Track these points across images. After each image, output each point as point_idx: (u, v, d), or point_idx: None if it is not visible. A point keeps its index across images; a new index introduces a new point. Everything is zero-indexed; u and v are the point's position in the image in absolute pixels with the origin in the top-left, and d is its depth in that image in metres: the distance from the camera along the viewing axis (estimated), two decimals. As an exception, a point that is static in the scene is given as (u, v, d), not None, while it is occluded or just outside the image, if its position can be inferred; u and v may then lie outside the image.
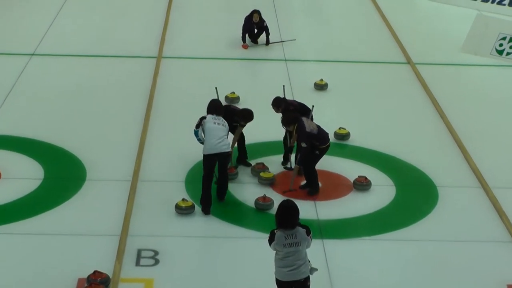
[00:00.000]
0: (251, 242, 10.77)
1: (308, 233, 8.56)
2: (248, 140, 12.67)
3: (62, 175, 12.34)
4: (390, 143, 13.67)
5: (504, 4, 15.26)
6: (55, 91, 15.44)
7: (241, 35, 17.99)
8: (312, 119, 12.27)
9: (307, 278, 8.63)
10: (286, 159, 12.69)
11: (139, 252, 10.44)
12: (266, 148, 13.20)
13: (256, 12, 17.82)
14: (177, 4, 20.94)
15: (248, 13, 17.91)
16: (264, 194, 11.58)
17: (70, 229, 10.97)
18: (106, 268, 9.90)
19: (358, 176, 12.22)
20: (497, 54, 14.29)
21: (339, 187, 12.24)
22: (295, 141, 12.12)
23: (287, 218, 8.51)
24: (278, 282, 8.66)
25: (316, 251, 10.02)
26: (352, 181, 12.25)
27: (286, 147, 12.63)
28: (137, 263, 10.25)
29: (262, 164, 12.42)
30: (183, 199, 11.39)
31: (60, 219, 11.20)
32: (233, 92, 15.08)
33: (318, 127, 11.81)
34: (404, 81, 16.79)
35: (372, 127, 14.39)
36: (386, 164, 13.00)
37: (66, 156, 12.89)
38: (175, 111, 14.73)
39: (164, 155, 13.04)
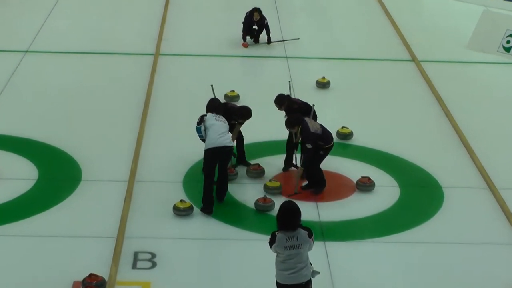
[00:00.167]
0: (251, 244, 10.68)
1: (310, 235, 8.51)
2: (247, 140, 12.58)
3: (56, 175, 12.24)
4: (394, 143, 13.59)
5: (512, 0, 15.16)
6: (49, 89, 15.36)
7: (242, 32, 17.79)
8: (316, 118, 12.18)
9: (309, 282, 8.57)
10: (287, 165, 12.49)
11: (135, 254, 10.36)
12: (266, 148, 13.11)
13: (256, 10, 17.67)
14: (174, 0, 20.77)
15: (249, 9, 17.71)
16: (265, 195, 11.53)
17: (65, 231, 10.89)
18: (102, 271, 9.84)
19: (361, 177, 12.15)
20: (504, 51, 14.22)
21: (341, 188, 12.17)
22: (299, 141, 12.07)
23: (289, 219, 8.45)
24: (279, 285, 8.60)
25: (318, 254, 10.00)
26: (355, 181, 12.17)
27: (288, 151, 12.45)
28: (134, 266, 10.17)
29: (258, 165, 12.33)
30: (181, 200, 11.31)
31: (54, 221, 11.12)
32: (233, 91, 15.00)
33: (322, 126, 11.76)
34: (408, 79, 16.69)
35: (375, 126, 14.31)
36: (390, 164, 12.92)
37: (60, 155, 12.78)
38: (173, 109, 14.65)
39: (162, 154, 12.95)
